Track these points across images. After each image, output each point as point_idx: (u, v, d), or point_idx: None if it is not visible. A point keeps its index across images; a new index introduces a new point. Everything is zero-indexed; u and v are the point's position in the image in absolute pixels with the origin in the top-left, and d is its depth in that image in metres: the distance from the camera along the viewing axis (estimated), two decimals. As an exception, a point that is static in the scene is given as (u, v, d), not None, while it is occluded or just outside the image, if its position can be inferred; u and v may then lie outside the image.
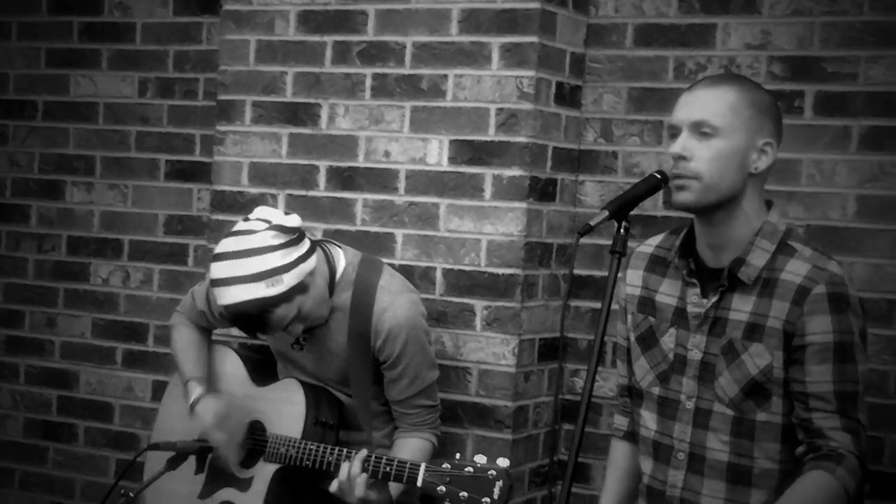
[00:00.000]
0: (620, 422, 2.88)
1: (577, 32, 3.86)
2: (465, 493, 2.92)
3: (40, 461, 4.74)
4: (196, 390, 3.52)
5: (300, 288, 3.27)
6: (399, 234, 3.83)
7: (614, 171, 3.88)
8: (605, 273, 3.78)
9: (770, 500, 2.56)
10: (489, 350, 3.68)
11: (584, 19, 3.88)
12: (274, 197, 3.99)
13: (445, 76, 3.77)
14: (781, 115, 2.66)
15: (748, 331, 2.55)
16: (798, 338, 2.51)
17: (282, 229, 3.26)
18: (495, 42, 3.70)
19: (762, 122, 2.58)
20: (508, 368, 3.67)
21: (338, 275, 3.42)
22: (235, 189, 4.06)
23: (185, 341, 3.65)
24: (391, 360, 3.37)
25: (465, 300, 3.72)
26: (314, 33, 3.96)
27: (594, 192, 3.90)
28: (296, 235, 3.28)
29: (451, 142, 3.76)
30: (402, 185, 3.83)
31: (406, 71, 3.83)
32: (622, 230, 2.53)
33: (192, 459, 3.46)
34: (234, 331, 3.88)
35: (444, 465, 2.97)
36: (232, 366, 3.65)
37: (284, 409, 3.41)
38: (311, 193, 3.95)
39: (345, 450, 3.24)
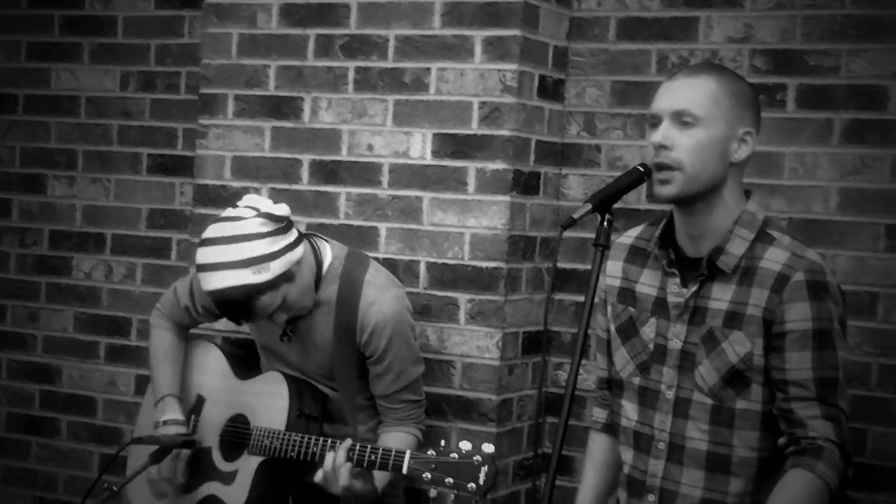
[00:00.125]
0: (599, 414, 2.89)
1: (559, 26, 3.86)
2: (451, 479, 2.93)
3: (23, 455, 4.73)
4: (168, 412, 3.50)
5: (286, 276, 3.27)
6: (382, 227, 3.82)
7: (597, 164, 3.89)
8: (589, 266, 3.80)
9: (748, 489, 2.57)
10: (473, 343, 3.69)
11: (566, 13, 3.89)
12: (257, 191, 3.98)
13: (428, 69, 3.77)
14: (760, 105, 2.67)
15: (728, 319, 2.56)
16: (777, 325, 2.52)
17: (270, 217, 3.26)
18: (478, 35, 3.70)
19: (742, 112, 2.59)
20: (492, 362, 3.67)
21: (324, 268, 3.42)
22: (218, 183, 4.06)
23: (163, 351, 3.62)
24: (377, 354, 3.37)
25: (449, 294, 3.72)
26: (296, 26, 3.95)
27: (577, 186, 3.91)
28: (284, 224, 3.28)
29: (435, 135, 3.76)
30: (385, 178, 3.83)
31: (389, 64, 3.83)
32: (605, 223, 2.53)
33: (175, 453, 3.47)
34: (217, 325, 3.88)
35: (429, 452, 2.98)
36: (213, 360, 3.65)
37: (268, 402, 3.41)
38: (294, 187, 3.94)
39: (329, 440, 3.25)
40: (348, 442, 3.17)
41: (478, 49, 3.70)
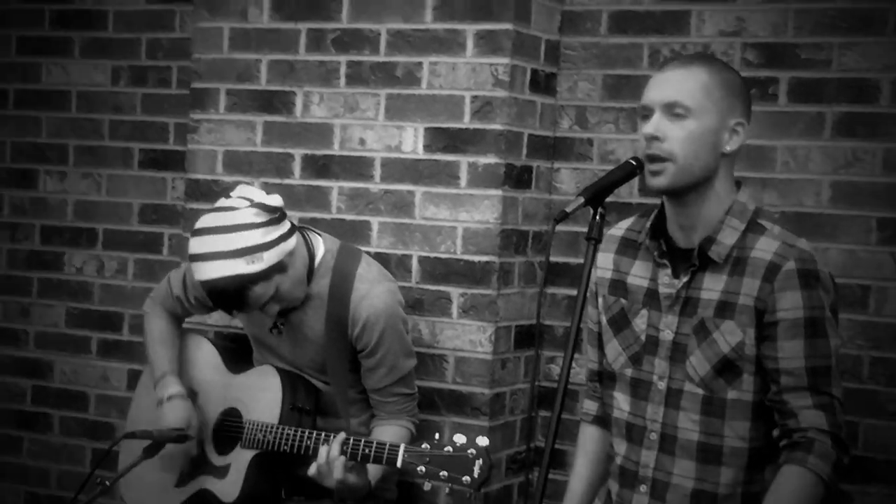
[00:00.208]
0: (589, 406, 2.89)
1: (551, 19, 3.86)
2: (446, 473, 2.93)
3: (15, 451, 4.72)
4: (171, 387, 3.50)
5: (279, 267, 3.27)
6: (375, 221, 3.82)
7: (589, 158, 3.89)
8: (581, 260, 3.80)
9: (739, 478, 2.58)
10: (465, 337, 3.69)
11: (558, 6, 3.89)
12: (249, 185, 3.97)
13: (420, 64, 3.77)
14: (750, 95, 2.67)
15: (719, 309, 2.56)
16: (769, 314, 2.52)
17: (263, 207, 3.26)
18: (470, 29, 3.70)
19: (733, 103, 2.59)
20: (485, 355, 3.67)
21: (316, 261, 3.42)
22: (210, 178, 4.05)
23: (158, 334, 3.62)
24: (368, 348, 3.37)
25: (441, 288, 3.72)
26: (288, 21, 3.95)
27: (569, 180, 3.91)
28: (277, 215, 3.28)
29: (427, 129, 3.76)
30: (377, 172, 3.83)
31: (381, 58, 3.82)
32: (598, 217, 2.54)
33: (168, 448, 3.46)
34: (210, 319, 3.88)
35: (423, 446, 2.98)
36: (206, 354, 3.65)
37: (260, 396, 3.41)
38: (286, 182, 3.94)
39: (323, 434, 3.24)
40: (342, 435, 3.17)
41: (469, 43, 3.70)
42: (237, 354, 3.64)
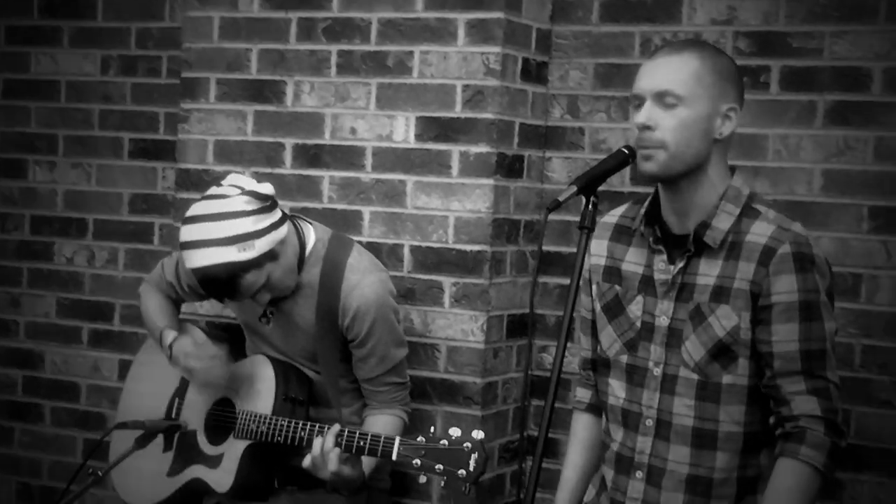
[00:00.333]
0: (582, 394, 2.89)
1: (542, 8, 3.85)
2: (441, 466, 2.93)
3: (6, 441, 4.71)
4: (170, 334, 3.50)
5: (271, 255, 3.26)
6: (366, 211, 3.82)
7: (581, 147, 3.89)
8: (573, 249, 3.81)
9: (734, 463, 2.58)
10: (457, 327, 3.69)
11: (549, -5, 3.88)
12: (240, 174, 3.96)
13: (411, 53, 3.76)
14: (743, 80, 2.67)
15: (715, 294, 2.56)
16: (763, 298, 2.53)
17: (255, 195, 3.25)
18: (461, 18, 3.69)
19: (725, 88, 2.59)
20: (477, 345, 3.67)
21: (307, 250, 3.41)
22: (201, 167, 4.04)
23: (155, 303, 3.64)
24: (359, 338, 3.37)
25: (433, 277, 3.72)
26: (278, 9, 3.93)
27: (561, 169, 3.91)
28: (269, 203, 3.28)
29: (418, 119, 3.75)
30: (368, 162, 3.82)
31: (371, 48, 3.81)
32: (590, 206, 2.53)
33: (160, 438, 3.46)
34: (202, 309, 3.88)
35: (418, 439, 2.98)
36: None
37: (254, 386, 3.41)
38: (277, 171, 3.93)
39: (317, 425, 3.24)
40: (336, 427, 3.17)
41: (461, 32, 3.69)
42: (230, 344, 3.62)
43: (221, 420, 3.46)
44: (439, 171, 3.72)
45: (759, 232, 2.55)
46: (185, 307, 3.78)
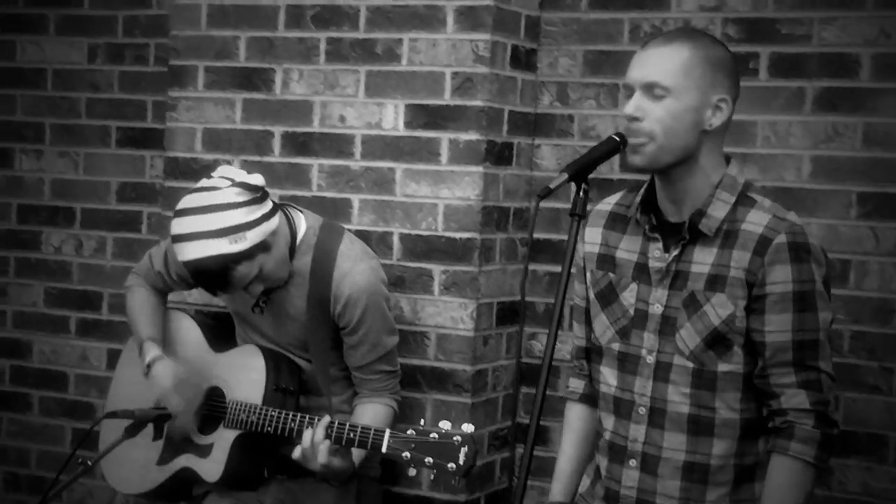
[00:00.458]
0: (576, 384, 2.89)
1: (531, -5, 3.85)
2: (430, 459, 2.93)
3: (-6, 431, 4.71)
4: (152, 350, 3.50)
5: (263, 246, 3.25)
6: (355, 199, 3.81)
7: (571, 134, 3.88)
8: (563, 236, 3.81)
9: (732, 450, 2.59)
10: (447, 314, 3.69)
11: (538, -18, 3.88)
12: (228, 163, 3.95)
13: (400, 40, 3.75)
14: (737, 70, 2.66)
15: (710, 282, 2.57)
16: (758, 287, 2.53)
17: (246, 187, 3.24)
18: (450, 5, 3.68)
19: (715, 79, 2.58)
20: (467, 332, 3.67)
21: (298, 238, 3.41)
22: (189, 155, 4.03)
23: (140, 303, 3.62)
24: (351, 326, 3.37)
25: (423, 265, 3.72)
26: (267, -3, 3.92)
27: (550, 156, 3.91)
28: (259, 194, 3.27)
29: (407, 106, 3.74)
30: (357, 150, 3.81)
31: (360, 35, 3.80)
32: (581, 193, 2.53)
33: (150, 427, 3.45)
34: (191, 297, 3.87)
35: (408, 432, 2.97)
36: (189, 332, 3.63)
37: (244, 375, 3.40)
38: (266, 159, 3.92)
39: (307, 416, 3.24)
40: (326, 419, 3.17)
41: (450, 19, 3.68)
42: (220, 333, 3.62)
43: (211, 409, 3.45)
44: (428, 159, 3.71)
45: (755, 221, 2.56)
46: (174, 295, 3.77)
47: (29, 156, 4.69)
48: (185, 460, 3.47)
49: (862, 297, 3.55)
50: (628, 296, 2.67)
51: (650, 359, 2.64)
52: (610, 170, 3.71)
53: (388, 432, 3.02)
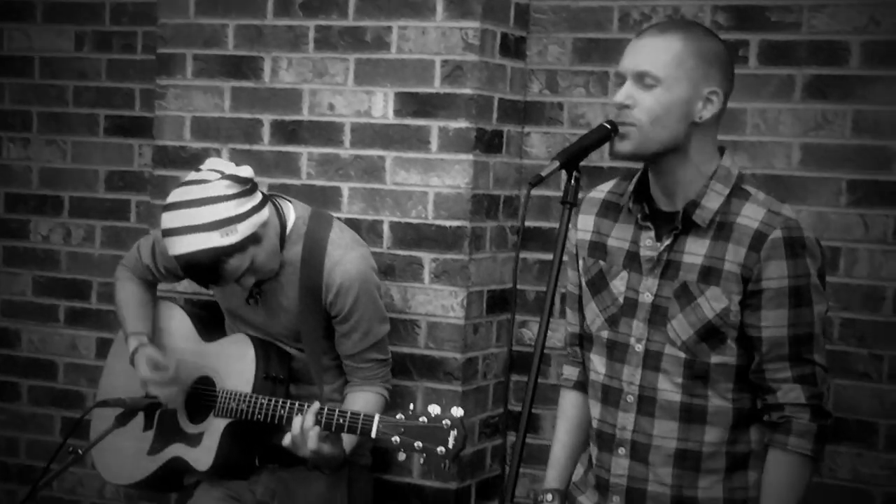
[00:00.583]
0: (570, 372, 2.89)
1: (521, -17, 3.85)
2: (420, 443, 2.93)
3: (-17, 420, 4.69)
4: (133, 343, 3.50)
5: (254, 238, 3.25)
6: (345, 187, 3.81)
7: (560, 122, 3.88)
8: (552, 224, 3.81)
9: (724, 437, 2.60)
10: (437, 302, 3.69)
11: (527, -31, 3.87)
12: (217, 151, 3.95)
13: (389, 28, 3.75)
14: (732, 63, 2.66)
15: (704, 274, 2.57)
16: (754, 283, 2.53)
17: (235, 179, 3.23)
18: (439, -7, 3.68)
19: (707, 71, 2.58)
20: (457, 320, 3.67)
21: (288, 228, 3.40)
22: (178, 144, 4.02)
23: (128, 296, 3.62)
24: (343, 314, 3.37)
25: (413, 253, 3.72)
26: (255, -15, 3.91)
27: (540, 144, 3.90)
28: (249, 186, 3.26)
29: (397, 94, 3.74)
30: (347, 138, 3.81)
31: (349, 23, 3.80)
32: (573, 180, 2.53)
33: (140, 416, 3.44)
34: (180, 287, 3.86)
35: (397, 416, 2.98)
36: (178, 322, 3.63)
37: (234, 364, 3.40)
38: (255, 147, 3.92)
39: (297, 403, 3.24)
40: (316, 405, 3.17)
41: (439, 7, 3.67)
42: (209, 322, 3.62)
43: (202, 398, 3.45)
44: (418, 147, 3.71)
45: (750, 215, 2.55)
46: (163, 285, 3.76)
47: (16, 144, 4.67)
48: (175, 450, 3.47)
49: (852, 284, 3.56)
50: (618, 284, 2.67)
51: (639, 347, 2.64)
52: (600, 157, 3.68)
53: (377, 417, 3.02)
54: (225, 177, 3.23)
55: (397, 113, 3.74)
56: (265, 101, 3.90)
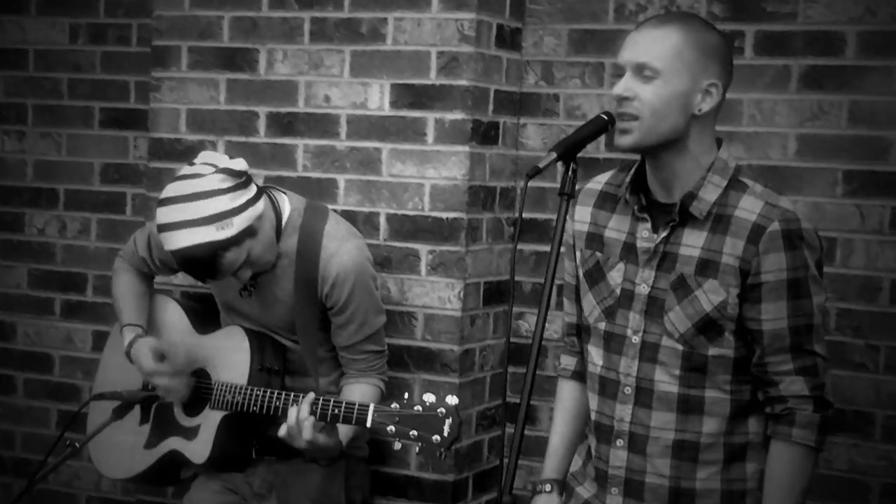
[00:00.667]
0: (567, 362, 2.89)
1: (516, -26, 3.84)
2: (415, 432, 2.93)
3: (-21, 414, 4.69)
4: (129, 335, 3.49)
5: (250, 231, 3.24)
6: (341, 179, 3.80)
7: (556, 113, 3.88)
8: (549, 216, 3.81)
9: (722, 428, 2.61)
10: (434, 294, 3.68)
11: (523, -39, 3.86)
12: (213, 144, 3.94)
13: (385, 20, 3.74)
14: (731, 55, 2.66)
15: (701, 266, 2.57)
16: (752, 276, 2.53)
17: (229, 173, 3.23)
18: (434, -16, 3.67)
19: (706, 64, 2.58)
20: (454, 312, 3.67)
21: (283, 220, 3.40)
22: (173, 136, 4.01)
23: (125, 288, 3.62)
24: (338, 305, 3.36)
25: (410, 245, 3.71)
26: (251, -23, 3.90)
27: (536, 136, 3.90)
28: (243, 179, 3.26)
29: (393, 86, 3.73)
30: (343, 130, 3.80)
31: (345, 15, 3.79)
32: (570, 172, 2.53)
33: (137, 410, 3.44)
34: (176, 280, 3.86)
35: (393, 405, 2.98)
36: (173, 315, 3.63)
37: (229, 356, 3.40)
38: (251, 140, 3.91)
39: (292, 394, 3.24)
40: (311, 396, 3.16)
41: (434, -2, 3.67)
42: (204, 315, 3.62)
43: (197, 391, 3.44)
44: (414, 139, 3.71)
45: (748, 207, 2.55)
46: (159, 278, 3.76)
47: (11, 137, 4.66)
48: (172, 443, 3.47)
49: (848, 274, 3.57)
50: (615, 275, 2.67)
51: (635, 339, 2.64)
52: (596, 149, 3.70)
53: (372, 406, 3.02)
54: (219, 170, 3.22)
55: (393, 105, 3.73)
56: (261, 94, 3.90)
